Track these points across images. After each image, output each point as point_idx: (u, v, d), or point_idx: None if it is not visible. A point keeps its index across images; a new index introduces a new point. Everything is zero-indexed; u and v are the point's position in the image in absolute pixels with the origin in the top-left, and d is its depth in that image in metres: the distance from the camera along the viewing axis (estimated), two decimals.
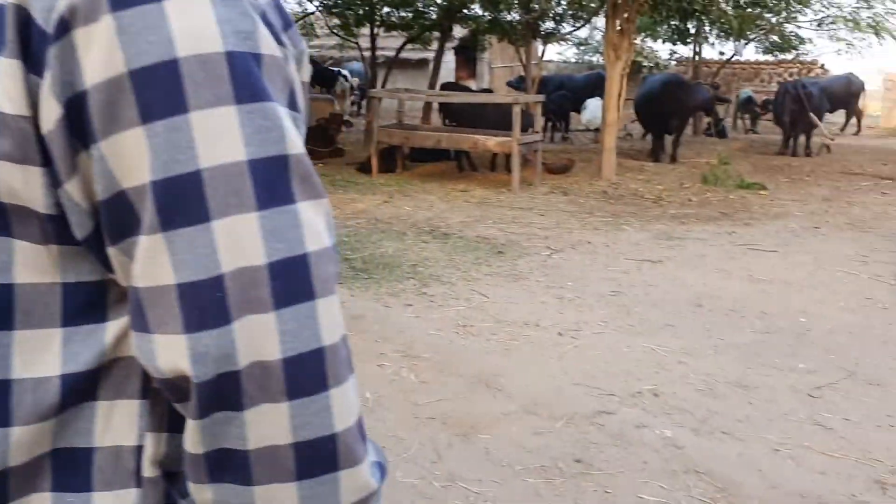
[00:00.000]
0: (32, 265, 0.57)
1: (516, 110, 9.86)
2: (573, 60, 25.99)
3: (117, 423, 0.60)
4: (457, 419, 3.62)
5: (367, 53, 15.00)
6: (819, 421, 3.65)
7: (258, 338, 0.53)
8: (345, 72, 19.57)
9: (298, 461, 0.55)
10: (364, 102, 17.52)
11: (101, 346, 0.59)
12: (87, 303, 0.59)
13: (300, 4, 16.28)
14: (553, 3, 11.92)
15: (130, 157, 0.53)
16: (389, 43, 18.18)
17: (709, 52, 18.59)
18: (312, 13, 16.33)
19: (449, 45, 15.81)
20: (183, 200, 0.53)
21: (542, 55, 16.23)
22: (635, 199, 9.75)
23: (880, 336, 4.83)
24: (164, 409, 0.61)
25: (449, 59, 23.58)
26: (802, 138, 13.89)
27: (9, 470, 0.58)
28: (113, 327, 0.59)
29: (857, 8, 13.94)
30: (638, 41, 19.98)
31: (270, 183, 0.54)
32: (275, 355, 0.54)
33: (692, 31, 16.31)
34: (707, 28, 15.88)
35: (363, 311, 5.03)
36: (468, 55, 22.06)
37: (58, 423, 0.59)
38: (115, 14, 0.52)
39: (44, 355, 0.58)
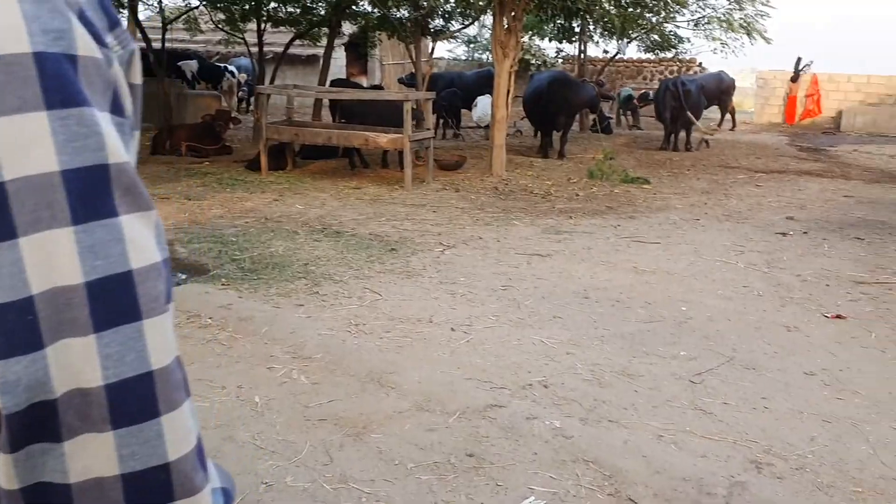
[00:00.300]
0: None
1: (407, 107, 9.85)
2: (463, 58, 26.20)
3: None
4: (349, 419, 3.58)
5: (254, 49, 14.68)
6: (700, 406, 3.81)
7: (76, 363, 0.49)
8: (231, 67, 19.09)
9: (127, 493, 0.51)
10: (253, 99, 17.13)
11: None
12: None
13: None
14: (441, 0, 11.95)
15: None
16: (278, 38, 17.84)
17: (594, 51, 19.13)
18: (196, 7, 15.84)
19: (338, 41, 15.66)
20: None
21: (432, 52, 16.28)
22: (525, 194, 9.91)
23: (755, 322, 5.08)
24: None
25: (339, 55, 23.40)
26: (683, 134, 14.47)
27: None
28: None
29: (730, 9, 14.65)
30: (525, 39, 20.37)
31: (88, 195, 0.50)
32: (96, 382, 0.50)
33: (577, 29, 16.72)
34: (591, 27, 16.32)
35: (252, 313, 4.92)
36: (359, 52, 21.95)
37: None
38: None
39: None
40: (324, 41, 14.82)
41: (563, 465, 3.20)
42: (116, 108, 0.55)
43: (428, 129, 10.97)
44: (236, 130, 15.28)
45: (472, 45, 25.13)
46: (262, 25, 14.43)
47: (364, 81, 23.54)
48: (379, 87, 18.26)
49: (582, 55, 17.91)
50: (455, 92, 15.88)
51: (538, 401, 3.82)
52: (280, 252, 6.49)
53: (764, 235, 7.67)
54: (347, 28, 17.32)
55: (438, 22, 13.75)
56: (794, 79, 21.16)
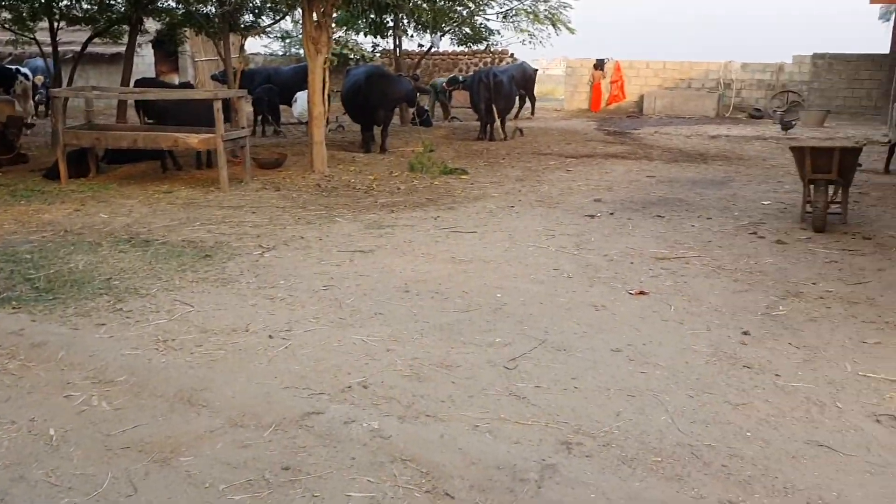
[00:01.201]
0: None
1: (217, 105, 9.50)
2: (281, 53, 25.62)
3: None
4: (155, 444, 3.38)
5: (49, 49, 13.61)
6: (514, 391, 3.89)
7: None
8: (25, 70, 17.61)
9: None
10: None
11: None
12: None
13: None
14: None
15: None
16: (77, 37, 16.66)
17: (409, 44, 19.28)
18: None
19: (144, 38, 14.82)
20: None
21: (242, 48, 15.79)
22: (347, 190, 9.83)
23: (565, 304, 5.28)
24: None
25: (148, 52, 22.24)
26: (497, 123, 14.87)
27: None
28: None
29: (536, 1, 15.23)
30: (341, 34, 20.20)
31: None
32: None
33: (391, 24, 16.76)
34: (405, 21, 16.41)
35: (46, 338, 4.54)
36: (167, 49, 20.95)
37: None
38: None
39: None
40: (126, 39, 13.99)
41: (382, 467, 3.17)
42: None
43: (243, 128, 10.65)
44: (34, 137, 14.20)
45: (287, 41, 24.60)
46: (56, 24, 13.39)
47: (175, 79, 22.53)
48: (189, 85, 17.54)
49: (397, 49, 18.00)
50: (272, 88, 15.52)
51: (357, 403, 3.77)
52: (80, 267, 6.04)
53: (574, 219, 8.01)
54: (153, 25, 16.44)
55: (248, 17, 13.32)
56: (598, 66, 22.35)
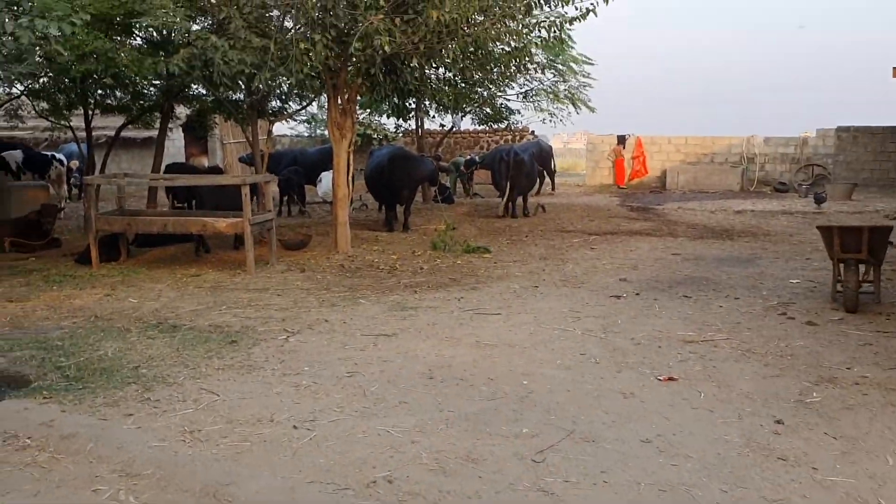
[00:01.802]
0: None
1: (245, 191, 9.69)
2: (306, 134, 26.28)
3: None
4: None
5: (82, 134, 14.04)
6: (542, 487, 3.81)
7: None
8: (60, 155, 18.15)
9: None
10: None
11: None
12: None
13: (5, 89, 14.92)
14: (275, 84, 11.95)
15: None
16: (110, 122, 17.18)
17: (431, 124, 19.74)
18: (17, 97, 15.01)
19: (173, 124, 15.28)
20: None
21: (270, 132, 16.22)
22: (371, 270, 9.90)
23: (593, 391, 5.21)
24: None
25: (178, 136, 22.85)
26: (520, 200, 15.03)
27: None
28: None
29: (556, 82, 15.57)
30: (365, 116, 20.69)
31: None
32: None
33: (413, 106, 17.20)
34: (427, 103, 16.83)
35: (75, 429, 4.54)
36: (198, 133, 21.52)
37: None
38: None
39: None
40: (158, 125, 14.43)
41: None
42: None
43: (269, 211, 10.83)
44: (66, 220, 14.53)
45: (312, 123, 25.27)
46: (91, 112, 13.86)
47: (205, 162, 23.08)
48: (218, 169, 17.97)
49: (419, 129, 18.40)
50: (298, 170, 15.90)
51: (382, 499, 3.71)
52: (109, 355, 6.09)
53: (599, 299, 7.97)
54: (183, 110, 16.96)
55: (275, 103, 13.73)
56: (620, 142, 22.62)
